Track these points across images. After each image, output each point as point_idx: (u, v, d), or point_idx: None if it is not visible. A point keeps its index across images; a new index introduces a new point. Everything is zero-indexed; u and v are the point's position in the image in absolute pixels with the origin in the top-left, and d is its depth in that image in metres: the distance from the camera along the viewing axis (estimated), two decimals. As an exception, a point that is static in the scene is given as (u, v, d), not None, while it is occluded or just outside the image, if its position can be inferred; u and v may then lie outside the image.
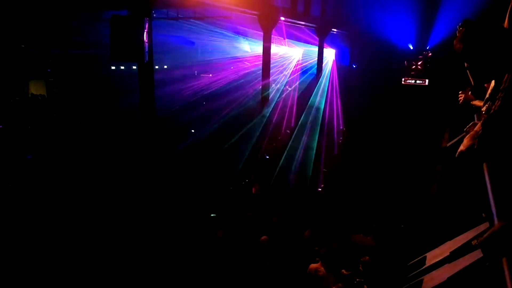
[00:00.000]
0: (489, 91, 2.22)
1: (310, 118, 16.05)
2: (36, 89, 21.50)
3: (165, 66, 25.37)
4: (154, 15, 12.99)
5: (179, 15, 15.06)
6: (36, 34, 17.54)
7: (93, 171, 10.07)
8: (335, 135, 15.10)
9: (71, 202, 8.10)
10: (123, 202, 8.06)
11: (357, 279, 5.37)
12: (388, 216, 7.67)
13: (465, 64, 1.69)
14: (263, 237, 6.56)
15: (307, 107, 17.39)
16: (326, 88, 20.04)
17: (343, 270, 5.40)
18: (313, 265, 5.83)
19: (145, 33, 9.02)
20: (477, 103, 2.69)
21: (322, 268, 5.71)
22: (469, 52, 1.60)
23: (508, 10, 1.72)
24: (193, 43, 24.44)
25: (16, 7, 12.44)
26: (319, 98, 18.72)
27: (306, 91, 19.84)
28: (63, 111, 17.57)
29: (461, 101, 2.89)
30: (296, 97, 19.82)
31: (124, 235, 6.82)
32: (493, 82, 2.08)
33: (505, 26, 1.76)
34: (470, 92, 2.85)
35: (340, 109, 19.04)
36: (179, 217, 7.60)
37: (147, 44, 9.13)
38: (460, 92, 2.92)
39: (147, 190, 8.60)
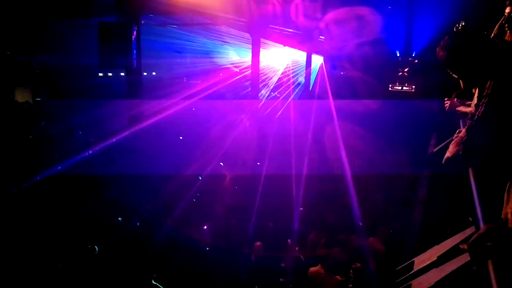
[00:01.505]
0: (475, 98, 2.26)
1: None
2: (21, 96, 21.23)
3: (154, 73, 25.30)
4: (142, 21, 12.96)
5: (168, 22, 15.07)
6: (22, 41, 17.33)
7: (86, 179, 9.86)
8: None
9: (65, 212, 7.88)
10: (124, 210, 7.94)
11: (349, 286, 5.39)
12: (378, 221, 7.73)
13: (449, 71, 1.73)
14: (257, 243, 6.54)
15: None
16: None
17: (337, 277, 5.42)
18: (313, 269, 5.83)
19: (133, 40, 9.00)
20: (463, 109, 2.74)
21: (323, 270, 5.70)
22: (452, 60, 1.64)
23: (499, 23, 1.76)
24: (181, 51, 24.41)
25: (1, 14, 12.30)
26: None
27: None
28: (50, 119, 17.31)
29: (447, 108, 2.94)
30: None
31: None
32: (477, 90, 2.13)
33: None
34: (456, 99, 2.91)
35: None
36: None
37: (135, 51, 9.11)
38: (446, 99, 2.97)
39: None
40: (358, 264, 5.44)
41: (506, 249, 1.64)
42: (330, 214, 8.33)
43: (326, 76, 22.50)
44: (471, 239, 1.77)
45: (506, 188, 1.86)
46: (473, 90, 2.72)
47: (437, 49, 1.70)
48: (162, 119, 10.91)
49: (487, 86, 1.54)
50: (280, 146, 13.59)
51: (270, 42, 18.19)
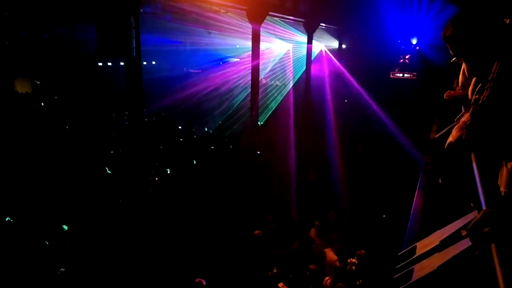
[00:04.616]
0: (472, 83, 2.25)
1: None
2: (22, 87, 21.17)
3: (153, 62, 25.20)
4: (141, 10, 12.83)
5: (167, 11, 14.94)
6: (21, 30, 17.23)
7: (83, 169, 9.90)
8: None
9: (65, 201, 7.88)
10: (119, 200, 7.95)
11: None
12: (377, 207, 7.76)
13: (451, 53, 1.70)
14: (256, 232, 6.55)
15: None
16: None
17: (336, 263, 5.44)
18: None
19: (132, 28, 8.92)
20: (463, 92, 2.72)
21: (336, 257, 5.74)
22: (460, 37, 1.61)
23: None
24: (181, 41, 24.32)
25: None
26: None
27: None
28: (49, 109, 17.26)
29: (448, 96, 2.91)
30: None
31: (122, 233, 6.72)
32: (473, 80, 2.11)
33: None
34: (457, 88, 2.88)
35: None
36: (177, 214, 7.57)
37: (134, 39, 9.04)
38: (448, 91, 2.95)
39: (140, 187, 8.53)
40: (363, 251, 5.44)
41: (505, 233, 1.64)
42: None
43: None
44: (470, 224, 1.78)
45: (500, 171, 1.86)
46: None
47: (444, 29, 1.67)
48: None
49: (492, 70, 1.52)
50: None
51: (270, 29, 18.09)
